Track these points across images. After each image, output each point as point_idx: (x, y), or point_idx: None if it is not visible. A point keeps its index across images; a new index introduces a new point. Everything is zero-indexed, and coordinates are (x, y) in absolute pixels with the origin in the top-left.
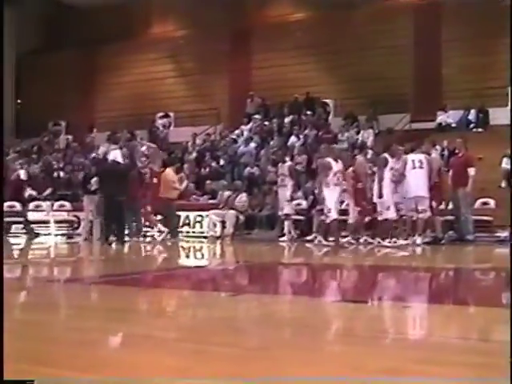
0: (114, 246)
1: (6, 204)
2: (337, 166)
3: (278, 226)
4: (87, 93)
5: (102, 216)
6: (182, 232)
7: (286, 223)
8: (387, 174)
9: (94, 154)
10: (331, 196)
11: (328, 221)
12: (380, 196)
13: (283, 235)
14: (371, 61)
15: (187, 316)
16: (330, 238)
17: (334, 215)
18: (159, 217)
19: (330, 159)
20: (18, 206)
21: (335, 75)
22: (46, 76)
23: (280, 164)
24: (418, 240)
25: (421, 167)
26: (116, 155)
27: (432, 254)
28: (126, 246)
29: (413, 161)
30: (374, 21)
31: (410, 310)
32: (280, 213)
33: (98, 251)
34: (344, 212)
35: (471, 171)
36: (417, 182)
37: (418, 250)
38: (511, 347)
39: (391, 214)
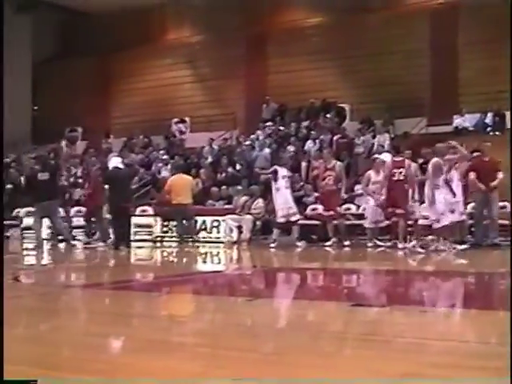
0: (123, 250)
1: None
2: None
3: (295, 232)
4: (103, 99)
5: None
6: (197, 237)
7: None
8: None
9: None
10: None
11: (366, 225)
12: (432, 202)
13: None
14: (387, 65)
15: (204, 321)
16: (347, 242)
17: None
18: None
19: (370, 171)
20: None
21: (351, 80)
22: (63, 82)
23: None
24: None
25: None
26: (117, 162)
27: (465, 258)
28: (139, 250)
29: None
30: (389, 25)
31: (428, 314)
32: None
33: (115, 256)
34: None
35: (499, 175)
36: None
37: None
38: (511, 348)
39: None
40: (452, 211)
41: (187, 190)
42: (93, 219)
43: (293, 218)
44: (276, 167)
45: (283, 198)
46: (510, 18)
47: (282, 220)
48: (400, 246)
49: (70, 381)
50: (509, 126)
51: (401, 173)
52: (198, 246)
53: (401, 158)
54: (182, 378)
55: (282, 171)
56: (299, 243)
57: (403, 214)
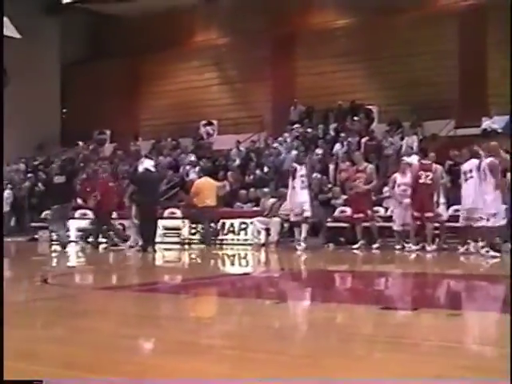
0: (151, 253)
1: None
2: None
3: (323, 234)
4: (131, 101)
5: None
6: (221, 240)
7: (304, 227)
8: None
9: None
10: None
11: (395, 227)
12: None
13: (328, 242)
14: (416, 66)
15: (232, 323)
16: (376, 245)
17: (394, 226)
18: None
19: (397, 173)
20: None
21: (379, 81)
22: (91, 85)
23: (299, 166)
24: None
25: (471, 177)
26: (148, 164)
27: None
28: (167, 253)
29: (464, 172)
30: (418, 26)
31: (457, 317)
32: (293, 218)
33: (143, 259)
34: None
35: None
36: (468, 194)
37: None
38: (511, 349)
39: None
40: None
41: (213, 192)
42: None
43: (304, 214)
44: (296, 165)
45: (298, 198)
46: (510, 17)
47: (294, 219)
48: (428, 248)
49: (77, 381)
50: None
51: (427, 176)
52: (225, 249)
53: (428, 162)
54: (210, 380)
55: (301, 170)
56: (302, 244)
57: (431, 217)
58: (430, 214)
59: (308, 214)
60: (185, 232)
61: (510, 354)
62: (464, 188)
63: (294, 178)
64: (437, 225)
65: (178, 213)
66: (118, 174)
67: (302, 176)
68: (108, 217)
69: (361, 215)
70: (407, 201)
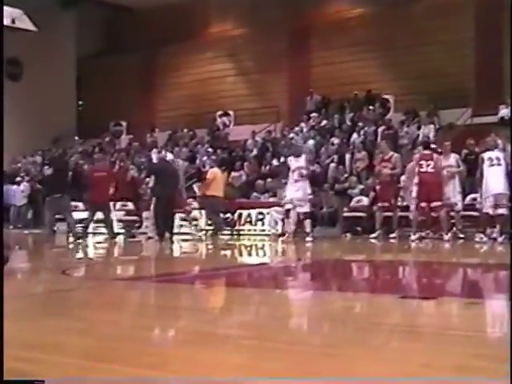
0: (168, 243)
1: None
2: None
3: (340, 224)
4: (147, 93)
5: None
6: (243, 230)
7: (307, 222)
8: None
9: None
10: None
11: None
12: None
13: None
14: (431, 56)
15: (250, 313)
16: (393, 235)
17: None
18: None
19: (413, 163)
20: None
21: (395, 71)
22: (107, 77)
23: (293, 158)
24: (500, 238)
25: (499, 164)
26: (165, 155)
27: None
28: (184, 243)
29: (490, 158)
30: (434, 15)
31: (476, 306)
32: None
33: (161, 249)
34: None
35: None
36: (496, 179)
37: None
38: (511, 347)
39: None
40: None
41: (222, 184)
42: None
43: (300, 210)
44: (289, 159)
45: (293, 191)
46: (510, 17)
47: (288, 207)
48: (446, 237)
49: (77, 380)
50: None
51: (428, 165)
52: (242, 239)
53: (429, 152)
54: (231, 370)
55: (296, 163)
56: (309, 238)
57: (440, 206)
58: (437, 203)
59: (305, 209)
60: (202, 223)
61: (510, 354)
62: (491, 174)
63: (292, 170)
64: (452, 214)
65: (195, 204)
66: (125, 164)
67: (299, 168)
68: (104, 207)
69: (385, 204)
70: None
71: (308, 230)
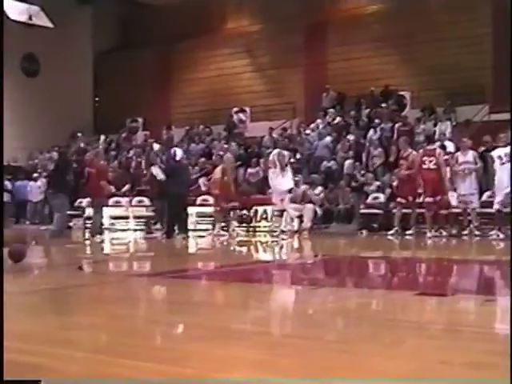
0: (178, 239)
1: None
2: None
3: (356, 220)
4: (164, 89)
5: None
6: (259, 226)
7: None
8: None
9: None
10: None
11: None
12: None
13: (361, 229)
14: (448, 51)
15: (268, 310)
16: (410, 232)
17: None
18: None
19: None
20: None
21: (412, 67)
22: (124, 73)
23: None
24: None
25: (508, 161)
26: (175, 153)
27: None
28: (200, 240)
29: (499, 156)
30: (451, 10)
31: (491, 303)
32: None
33: (176, 245)
34: None
35: None
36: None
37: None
38: (511, 347)
39: None
40: None
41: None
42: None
43: (284, 205)
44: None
45: (276, 185)
46: (510, 18)
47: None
48: (429, 234)
49: (73, 381)
50: None
51: (431, 161)
52: (259, 235)
53: (432, 147)
54: (247, 366)
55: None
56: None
57: (441, 202)
58: (438, 198)
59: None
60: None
61: (510, 354)
62: (502, 172)
63: (274, 166)
64: (468, 211)
65: (211, 200)
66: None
67: (286, 164)
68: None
69: (403, 201)
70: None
71: (283, 224)
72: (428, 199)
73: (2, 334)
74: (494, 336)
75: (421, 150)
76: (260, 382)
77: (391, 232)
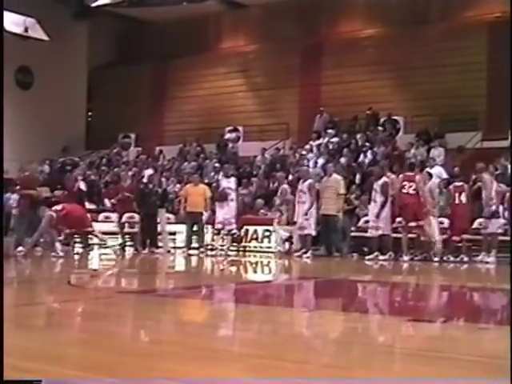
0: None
1: None
2: None
3: (347, 243)
4: (157, 106)
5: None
6: (249, 246)
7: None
8: None
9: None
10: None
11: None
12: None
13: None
14: (443, 78)
15: (259, 331)
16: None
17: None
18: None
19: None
20: None
21: (406, 92)
22: (117, 89)
23: (301, 181)
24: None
25: None
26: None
27: None
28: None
29: None
30: (446, 37)
31: (486, 331)
32: (299, 231)
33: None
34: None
35: None
36: None
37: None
38: (511, 347)
39: None
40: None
41: (201, 198)
42: None
43: (227, 227)
44: (220, 179)
45: (222, 211)
46: (510, 18)
47: (218, 226)
48: (405, 258)
49: (75, 381)
50: None
51: (410, 186)
52: (248, 256)
53: (412, 173)
54: None
55: (226, 183)
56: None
57: (416, 227)
58: (413, 224)
59: (230, 227)
60: (208, 238)
61: (510, 354)
62: None
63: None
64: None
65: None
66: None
67: (228, 189)
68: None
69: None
70: None
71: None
72: (411, 223)
73: (2, 334)
74: (490, 365)
75: (401, 176)
76: None
77: (385, 257)
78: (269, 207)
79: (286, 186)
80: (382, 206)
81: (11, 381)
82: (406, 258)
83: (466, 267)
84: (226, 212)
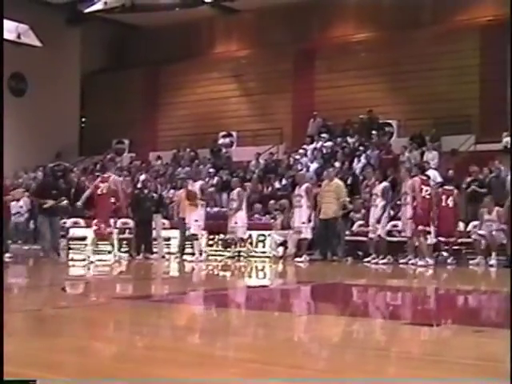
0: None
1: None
2: None
3: (341, 247)
4: (151, 111)
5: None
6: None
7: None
8: None
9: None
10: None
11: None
12: None
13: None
14: (436, 81)
15: (254, 336)
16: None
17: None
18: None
19: None
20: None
21: (399, 96)
22: (111, 95)
23: (298, 186)
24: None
25: None
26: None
27: None
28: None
29: None
30: (439, 41)
31: (481, 334)
32: (295, 235)
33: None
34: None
35: None
36: None
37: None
38: (511, 353)
39: None
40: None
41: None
42: None
43: (197, 232)
44: (190, 182)
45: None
46: (510, 19)
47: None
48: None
49: (69, 381)
50: None
51: (427, 191)
52: (243, 260)
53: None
54: None
55: (196, 187)
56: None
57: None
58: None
59: (195, 231)
60: (203, 243)
61: (510, 355)
62: None
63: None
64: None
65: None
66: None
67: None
68: None
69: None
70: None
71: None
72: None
73: (2, 334)
74: (485, 368)
75: (417, 178)
76: None
77: (384, 260)
78: (263, 212)
79: (240, 189)
80: (383, 209)
81: (11, 381)
82: (430, 261)
83: (462, 270)
84: (236, 220)
